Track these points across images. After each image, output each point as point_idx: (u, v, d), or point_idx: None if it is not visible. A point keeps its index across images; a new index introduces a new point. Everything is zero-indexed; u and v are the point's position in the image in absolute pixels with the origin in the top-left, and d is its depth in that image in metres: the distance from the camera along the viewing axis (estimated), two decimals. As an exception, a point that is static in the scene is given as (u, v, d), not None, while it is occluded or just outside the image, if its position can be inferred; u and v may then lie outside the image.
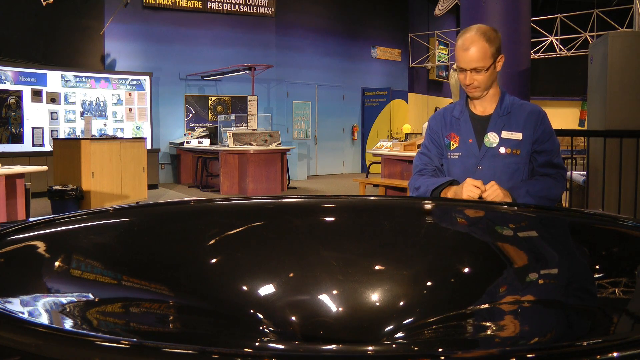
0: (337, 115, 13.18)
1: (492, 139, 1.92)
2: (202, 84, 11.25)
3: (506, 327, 1.05)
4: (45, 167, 5.17)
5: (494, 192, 1.74)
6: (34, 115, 8.96)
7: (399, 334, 1.03)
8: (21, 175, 4.51)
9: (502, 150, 1.91)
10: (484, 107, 1.98)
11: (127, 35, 10.32)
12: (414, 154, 6.38)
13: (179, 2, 10.75)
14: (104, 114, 9.82)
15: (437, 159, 2.03)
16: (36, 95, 8.98)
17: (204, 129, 10.61)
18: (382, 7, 13.90)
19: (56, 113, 9.24)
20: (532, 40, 5.73)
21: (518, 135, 1.91)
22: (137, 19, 10.38)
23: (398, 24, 14.41)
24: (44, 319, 0.82)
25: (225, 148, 9.02)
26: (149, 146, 9.21)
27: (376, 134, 13.33)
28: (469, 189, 1.75)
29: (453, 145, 1.99)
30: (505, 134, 1.91)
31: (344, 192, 9.47)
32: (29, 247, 1.02)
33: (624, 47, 4.35)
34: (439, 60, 15.10)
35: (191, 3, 10.88)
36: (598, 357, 0.53)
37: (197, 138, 10.30)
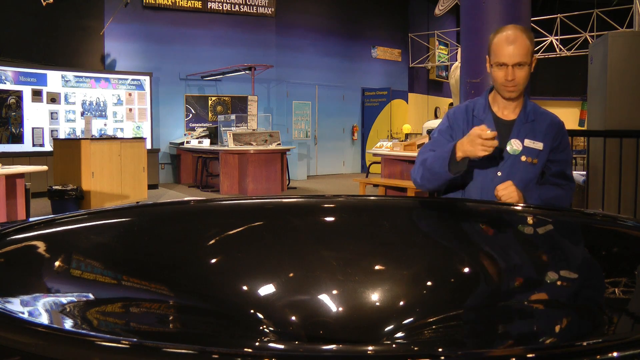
0: (337, 115, 13.17)
1: (515, 146, 1.87)
2: (202, 84, 11.25)
3: (506, 327, 1.05)
4: (45, 167, 5.17)
5: (510, 193, 1.72)
6: (34, 115, 8.96)
7: (399, 334, 1.03)
8: (21, 175, 4.51)
9: (523, 158, 1.86)
10: (507, 110, 1.92)
11: (127, 35, 10.32)
12: (414, 154, 6.37)
13: (179, 2, 10.74)
14: (104, 114, 9.82)
15: None
16: (36, 95, 8.98)
17: (204, 129, 10.60)
18: (382, 7, 13.89)
19: (56, 113, 9.24)
20: (532, 40, 5.72)
21: (539, 145, 1.86)
22: (137, 19, 10.38)
23: (398, 24, 14.41)
24: (44, 319, 0.81)
25: (225, 148, 9.02)
26: (149, 146, 9.20)
27: (376, 134, 13.33)
28: (479, 143, 1.64)
29: None
30: (527, 142, 1.87)
31: (344, 192, 9.46)
32: (29, 247, 1.02)
33: (624, 47, 4.35)
34: (439, 60, 15.10)
35: (191, 3, 10.87)
36: (598, 357, 0.53)
37: (197, 138, 10.29)
